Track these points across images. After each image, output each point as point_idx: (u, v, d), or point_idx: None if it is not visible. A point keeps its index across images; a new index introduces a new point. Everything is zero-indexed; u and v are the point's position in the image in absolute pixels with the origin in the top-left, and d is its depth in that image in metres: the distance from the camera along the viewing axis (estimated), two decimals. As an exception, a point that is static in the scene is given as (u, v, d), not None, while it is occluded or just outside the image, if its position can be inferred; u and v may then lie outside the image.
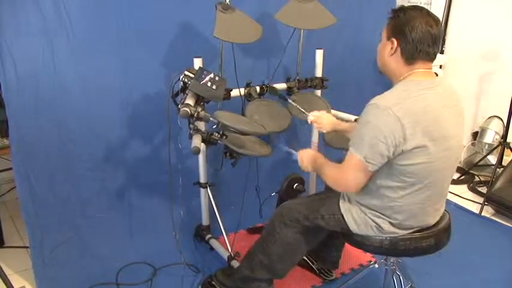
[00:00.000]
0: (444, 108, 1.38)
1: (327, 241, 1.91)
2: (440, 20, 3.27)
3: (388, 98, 1.35)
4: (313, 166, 1.64)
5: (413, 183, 1.39)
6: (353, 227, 1.52)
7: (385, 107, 1.31)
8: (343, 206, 1.55)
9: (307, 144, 2.59)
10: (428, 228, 1.52)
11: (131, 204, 2.26)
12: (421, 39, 1.34)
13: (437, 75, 1.44)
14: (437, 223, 1.54)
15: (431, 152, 1.34)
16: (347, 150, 1.59)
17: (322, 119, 1.89)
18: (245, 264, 1.80)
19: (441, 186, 1.47)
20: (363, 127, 1.36)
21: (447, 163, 1.42)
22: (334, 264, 2.06)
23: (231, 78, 2.04)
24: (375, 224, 1.48)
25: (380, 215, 1.47)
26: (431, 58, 1.40)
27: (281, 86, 2.29)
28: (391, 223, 1.47)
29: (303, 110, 2.03)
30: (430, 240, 1.50)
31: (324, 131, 1.92)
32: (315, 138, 2.50)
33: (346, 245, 1.98)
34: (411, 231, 1.50)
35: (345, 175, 1.43)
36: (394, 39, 1.39)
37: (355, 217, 1.52)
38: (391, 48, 1.40)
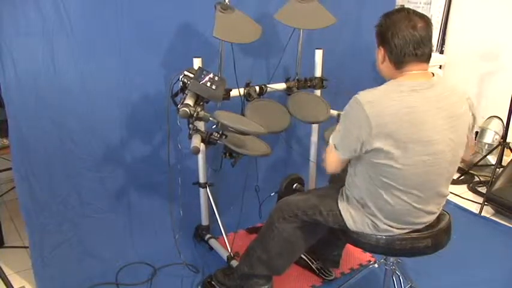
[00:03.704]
0: (432, 111, 1.36)
1: (328, 240, 1.91)
2: (441, 19, 3.31)
3: (368, 94, 1.37)
4: None
5: (391, 184, 1.40)
6: (350, 224, 1.53)
7: (361, 102, 1.34)
8: (341, 203, 1.56)
9: (307, 143, 2.60)
10: (426, 228, 1.51)
11: (131, 204, 2.26)
12: (405, 43, 1.35)
13: (434, 75, 1.42)
14: (436, 224, 1.54)
15: (402, 156, 1.34)
16: None
17: None
18: (244, 261, 1.81)
19: (432, 190, 1.45)
20: (342, 117, 1.45)
21: (434, 169, 1.40)
22: (335, 264, 2.06)
23: (231, 78, 2.05)
24: (370, 222, 1.49)
25: (374, 213, 1.48)
26: (422, 59, 1.38)
27: (281, 85, 2.30)
28: (384, 222, 1.48)
29: None
30: (427, 241, 1.50)
31: None
32: (314, 137, 2.51)
33: (346, 245, 2.00)
34: (407, 230, 1.50)
35: (326, 158, 1.54)
36: (381, 48, 1.42)
37: (352, 214, 1.53)
38: (381, 56, 1.43)
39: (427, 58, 1.40)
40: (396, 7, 2.87)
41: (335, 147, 1.46)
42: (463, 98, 1.45)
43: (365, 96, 1.36)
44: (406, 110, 1.33)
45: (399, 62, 1.39)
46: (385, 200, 1.43)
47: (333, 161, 1.51)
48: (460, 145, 1.46)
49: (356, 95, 1.38)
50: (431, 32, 1.39)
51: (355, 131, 1.36)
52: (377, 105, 1.33)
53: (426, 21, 1.38)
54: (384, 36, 1.39)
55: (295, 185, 2.18)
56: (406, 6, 3.26)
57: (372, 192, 1.46)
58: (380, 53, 1.43)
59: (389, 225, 1.48)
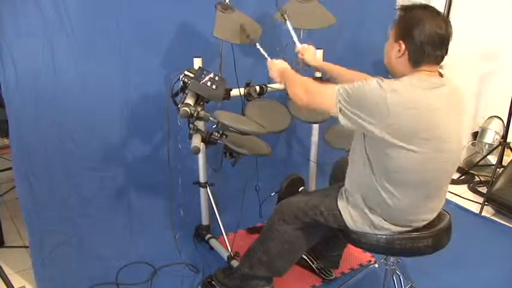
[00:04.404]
0: (447, 109, 1.36)
1: (328, 240, 1.92)
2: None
3: (393, 84, 1.32)
4: (281, 76, 1.72)
5: (403, 182, 1.39)
6: (350, 223, 1.53)
7: (384, 89, 1.29)
8: (341, 203, 1.56)
9: (307, 143, 2.60)
10: (426, 228, 1.51)
11: (131, 204, 2.26)
12: (429, 42, 1.32)
13: (441, 75, 1.41)
14: (436, 224, 1.54)
15: (421, 151, 1.33)
16: (348, 150, 1.59)
17: (307, 50, 1.95)
18: (245, 262, 1.81)
19: (437, 187, 1.46)
20: (360, 88, 1.34)
21: (442, 165, 1.41)
22: (335, 264, 2.06)
23: (231, 78, 2.04)
24: (370, 221, 1.49)
25: (374, 211, 1.48)
26: (439, 61, 1.38)
27: (281, 85, 2.29)
28: (384, 219, 1.48)
29: (295, 38, 2.02)
30: (427, 241, 1.50)
31: (309, 64, 1.97)
32: (315, 137, 2.50)
33: (347, 245, 1.99)
34: (408, 229, 1.50)
35: (315, 93, 1.48)
36: (401, 42, 1.37)
37: (352, 214, 1.53)
38: (399, 50, 1.38)
39: (441, 61, 1.38)
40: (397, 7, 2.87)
41: (338, 101, 1.35)
42: (463, 98, 1.46)
43: (389, 85, 1.30)
44: (427, 106, 1.32)
45: (418, 62, 1.36)
46: (390, 197, 1.42)
47: (320, 103, 1.47)
48: (462, 144, 1.46)
49: (380, 80, 1.31)
50: (451, 34, 1.35)
51: (367, 111, 1.31)
52: (400, 96, 1.29)
53: (448, 22, 1.35)
54: (408, 31, 1.34)
55: (295, 185, 2.17)
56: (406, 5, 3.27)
57: (374, 191, 1.45)
58: (399, 47, 1.37)
59: (391, 223, 1.48)
